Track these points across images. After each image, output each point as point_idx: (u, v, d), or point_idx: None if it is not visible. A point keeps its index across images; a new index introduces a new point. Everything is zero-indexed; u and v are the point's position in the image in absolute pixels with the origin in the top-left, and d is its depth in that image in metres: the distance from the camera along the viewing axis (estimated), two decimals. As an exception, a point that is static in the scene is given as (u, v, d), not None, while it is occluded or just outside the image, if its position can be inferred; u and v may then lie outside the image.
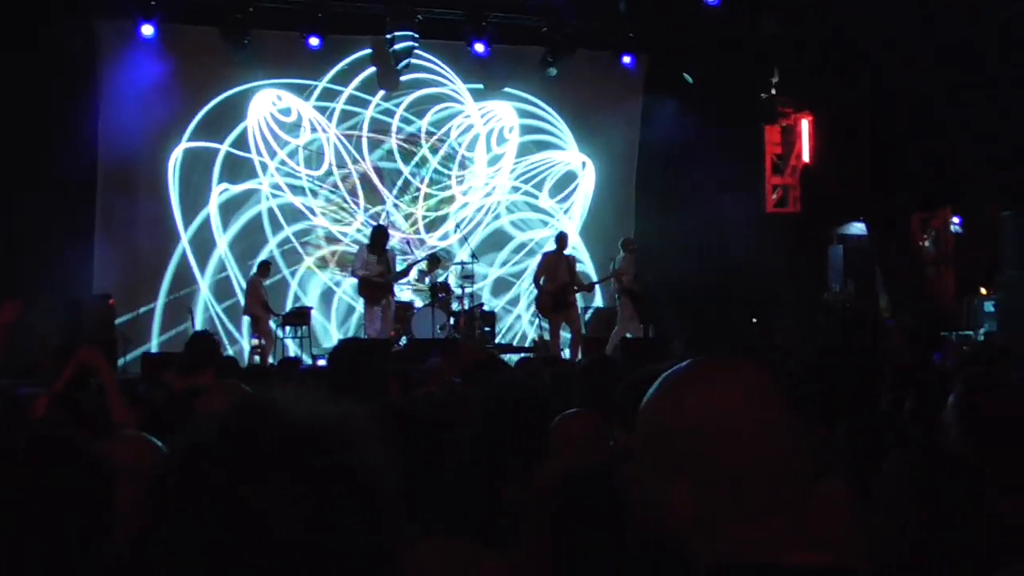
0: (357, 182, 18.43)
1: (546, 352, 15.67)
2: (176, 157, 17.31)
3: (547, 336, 16.62)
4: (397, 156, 18.71)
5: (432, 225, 18.89)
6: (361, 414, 1.47)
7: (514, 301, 18.98)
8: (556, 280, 15.74)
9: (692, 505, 1.72)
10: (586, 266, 19.01)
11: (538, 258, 16.71)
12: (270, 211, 17.91)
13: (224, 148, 17.59)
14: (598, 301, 18.77)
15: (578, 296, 16.47)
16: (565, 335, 16.39)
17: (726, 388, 1.75)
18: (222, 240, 17.57)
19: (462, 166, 19.04)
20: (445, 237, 18.81)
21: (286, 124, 18.03)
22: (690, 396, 1.76)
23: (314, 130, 18.24)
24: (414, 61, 17.96)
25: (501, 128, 19.15)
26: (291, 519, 1.32)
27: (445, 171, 18.93)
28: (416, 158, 18.77)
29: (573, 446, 3.55)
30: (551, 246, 16.57)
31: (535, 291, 16.28)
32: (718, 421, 1.71)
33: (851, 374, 4.49)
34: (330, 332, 17.88)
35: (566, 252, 16.28)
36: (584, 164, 19.45)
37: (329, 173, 18.30)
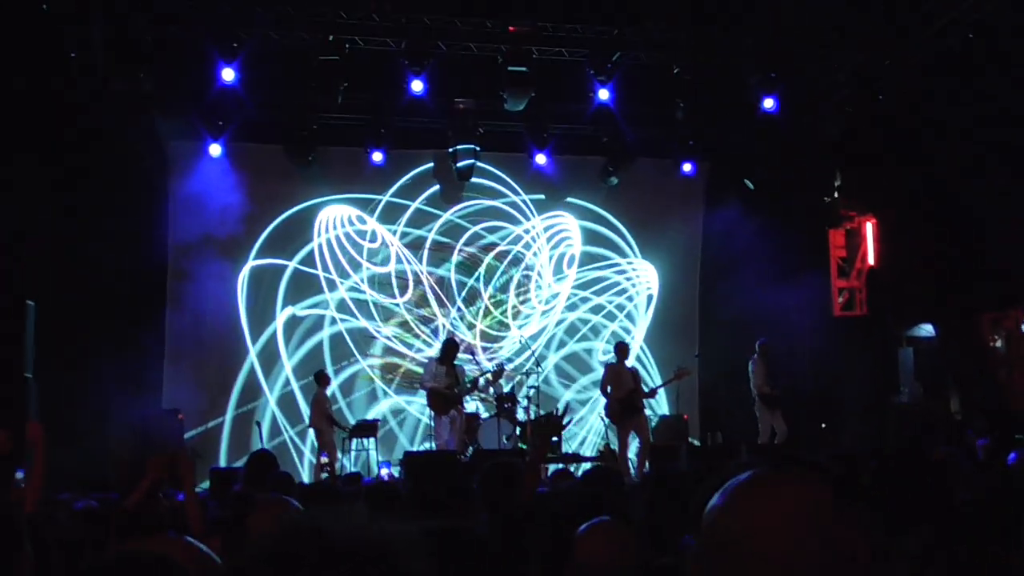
0: (423, 289, 18.55)
1: (612, 460, 15.53)
2: (244, 274, 17.56)
3: (613, 445, 16.47)
4: (461, 267, 18.83)
5: (496, 337, 18.94)
6: (406, 532, 1.49)
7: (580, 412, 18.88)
8: (623, 388, 15.67)
9: None
10: (651, 370, 18.93)
11: (602, 371, 16.65)
12: (336, 333, 18.08)
13: (292, 265, 17.82)
14: (663, 408, 18.62)
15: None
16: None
17: (781, 497, 1.80)
18: (287, 360, 17.74)
19: (526, 277, 19.10)
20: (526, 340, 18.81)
21: (358, 243, 18.24)
22: (746, 503, 1.82)
23: (383, 245, 18.44)
24: (476, 174, 18.18)
25: (564, 238, 19.24)
26: None
27: (511, 281, 19.00)
28: (480, 270, 18.89)
29: (600, 560, 3.45)
30: (612, 357, 16.50)
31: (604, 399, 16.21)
32: (770, 529, 1.75)
33: (926, 477, 4.41)
34: (399, 445, 17.88)
35: (627, 364, 16.22)
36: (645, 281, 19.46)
37: (394, 285, 18.44)
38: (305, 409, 17.13)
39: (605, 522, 3.57)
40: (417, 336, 18.47)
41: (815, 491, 1.81)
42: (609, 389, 15.80)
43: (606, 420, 16.59)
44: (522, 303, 19.09)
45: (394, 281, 18.45)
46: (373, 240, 18.40)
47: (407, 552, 1.46)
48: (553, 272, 19.23)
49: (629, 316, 19.52)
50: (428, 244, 18.70)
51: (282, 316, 17.78)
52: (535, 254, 19.17)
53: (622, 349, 16.24)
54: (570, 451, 17.48)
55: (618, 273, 19.51)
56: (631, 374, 16.02)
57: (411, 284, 18.57)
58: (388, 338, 18.28)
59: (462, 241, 18.86)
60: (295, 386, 17.66)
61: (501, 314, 18.97)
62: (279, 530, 1.47)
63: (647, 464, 15.12)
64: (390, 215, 18.52)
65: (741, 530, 1.78)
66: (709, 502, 1.90)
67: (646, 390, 16.58)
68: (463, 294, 18.84)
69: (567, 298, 19.26)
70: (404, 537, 1.48)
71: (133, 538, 3.82)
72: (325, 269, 18.07)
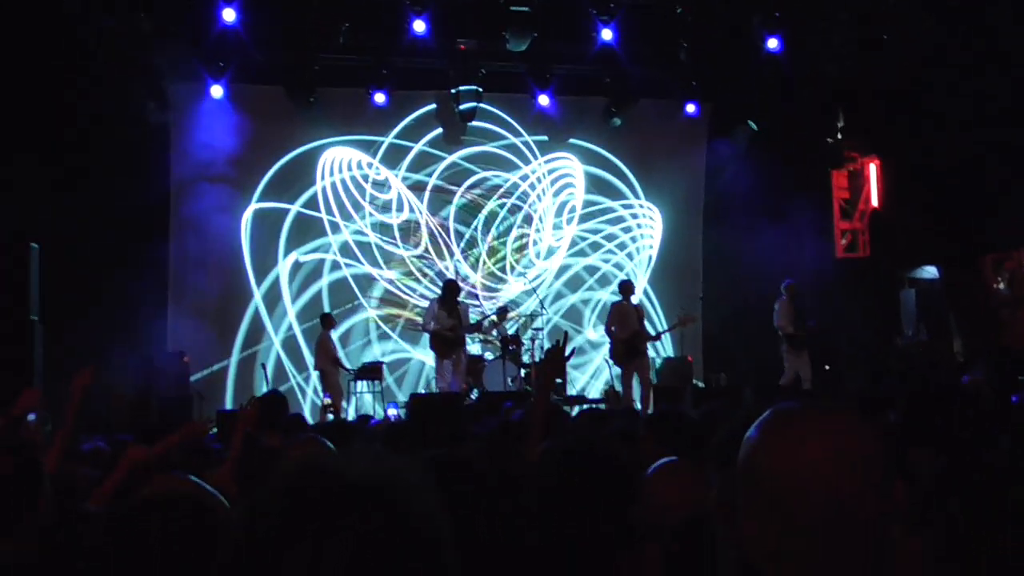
0: (425, 236, 18.54)
1: (617, 402, 15.59)
2: (247, 217, 17.54)
3: (617, 386, 16.53)
4: (463, 210, 18.82)
5: (500, 277, 18.95)
6: (417, 468, 1.52)
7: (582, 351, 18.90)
8: (628, 328, 15.70)
9: (772, 543, 1.78)
10: (656, 312, 18.98)
11: (608, 308, 16.69)
12: (339, 274, 18.11)
13: (294, 208, 17.80)
14: (668, 350, 18.68)
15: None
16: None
17: (819, 434, 1.80)
18: (290, 304, 17.78)
19: (528, 219, 19.08)
20: (530, 285, 18.82)
21: (362, 185, 18.22)
22: (784, 439, 1.82)
23: (387, 187, 18.41)
24: (479, 115, 18.12)
25: (567, 178, 19.20)
26: (353, 572, 1.38)
27: (514, 223, 18.99)
28: (484, 211, 18.87)
29: (675, 495, 3.40)
30: (617, 296, 16.50)
31: (608, 339, 16.24)
32: (808, 465, 1.76)
33: (940, 414, 4.42)
34: (404, 386, 17.95)
35: (633, 301, 16.25)
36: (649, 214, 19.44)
37: (398, 226, 18.44)
38: (308, 354, 17.22)
39: (675, 463, 3.51)
40: (419, 281, 18.47)
41: (852, 427, 1.82)
42: (614, 329, 15.83)
43: (610, 361, 16.62)
44: (523, 248, 19.07)
45: (395, 225, 18.40)
46: (378, 186, 18.33)
47: (418, 488, 1.48)
48: (556, 215, 19.19)
49: (631, 256, 19.48)
50: (430, 187, 18.64)
51: (288, 260, 17.76)
52: (538, 197, 19.12)
53: (627, 287, 16.25)
54: (575, 392, 17.55)
55: (625, 208, 19.47)
56: (636, 312, 16.03)
57: (414, 228, 18.53)
58: (391, 282, 18.27)
59: (465, 185, 18.80)
60: (297, 330, 17.67)
61: (503, 259, 18.95)
62: (291, 470, 1.49)
63: (651, 405, 15.17)
64: (393, 157, 18.45)
65: (779, 467, 1.79)
66: (733, 440, 1.90)
67: (651, 332, 16.62)
68: (465, 238, 18.82)
69: (570, 243, 19.22)
70: (414, 473, 1.50)
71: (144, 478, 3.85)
72: (328, 212, 18.03)
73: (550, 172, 19.16)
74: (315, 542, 1.38)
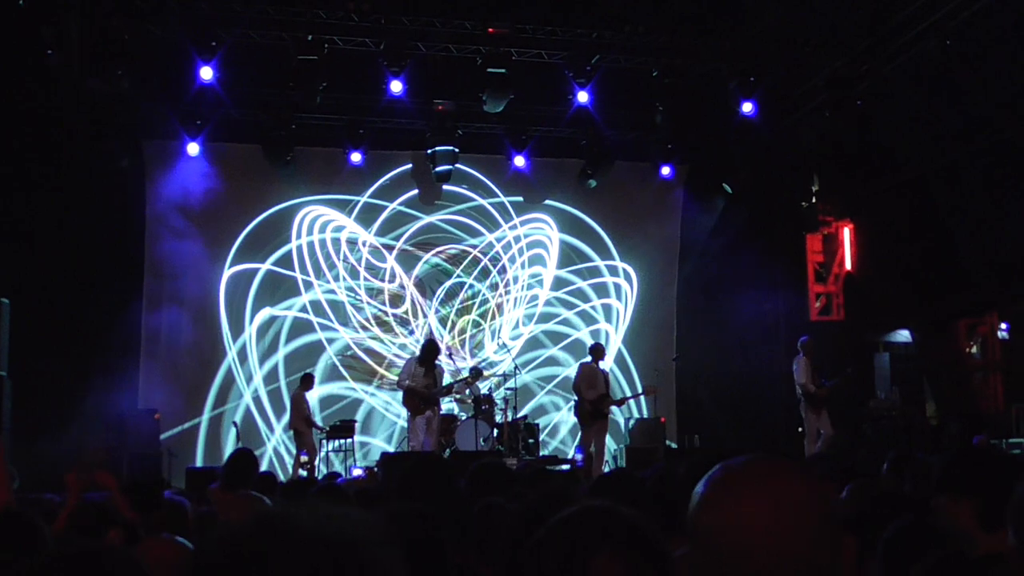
0: (398, 295, 18.54)
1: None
2: (224, 276, 17.52)
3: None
4: (437, 270, 18.84)
5: (473, 338, 18.94)
6: (374, 523, 1.48)
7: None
8: (595, 390, 15.65)
9: None
10: (632, 370, 18.96)
11: (575, 368, 16.65)
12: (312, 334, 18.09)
13: (264, 267, 17.80)
14: (641, 411, 18.63)
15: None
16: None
17: (765, 490, 1.80)
18: (257, 366, 17.75)
19: (494, 287, 19.10)
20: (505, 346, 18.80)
21: (336, 244, 18.25)
22: (729, 496, 1.81)
23: (357, 248, 18.46)
24: (455, 176, 18.19)
25: (542, 240, 19.25)
26: None
27: (487, 283, 19.00)
28: (458, 271, 18.88)
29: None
30: (587, 357, 16.45)
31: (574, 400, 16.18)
32: (753, 523, 1.75)
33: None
34: (375, 446, 17.86)
35: (602, 365, 16.20)
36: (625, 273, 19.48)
37: (372, 288, 18.44)
38: (272, 412, 17.21)
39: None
40: (396, 338, 18.45)
41: (793, 483, 1.82)
42: (583, 388, 15.75)
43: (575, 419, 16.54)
44: (498, 306, 19.08)
45: (386, 290, 18.41)
46: (375, 252, 18.41)
47: (374, 540, 1.45)
48: (530, 276, 19.21)
49: (608, 318, 19.50)
50: (406, 244, 18.66)
51: (258, 317, 17.73)
52: (512, 258, 19.15)
53: (597, 350, 16.24)
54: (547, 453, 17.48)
55: (597, 276, 19.52)
56: (604, 376, 16.00)
57: (388, 285, 18.54)
58: (363, 340, 18.26)
59: (438, 243, 18.83)
60: (263, 392, 17.68)
61: (478, 316, 18.95)
62: (247, 522, 1.45)
63: (602, 469, 15.07)
64: (368, 216, 18.48)
65: (721, 522, 1.79)
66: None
67: (615, 397, 16.57)
68: (439, 295, 18.81)
69: (544, 302, 19.23)
70: (371, 525, 1.47)
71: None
72: (303, 271, 18.03)
73: (525, 236, 19.20)
74: None
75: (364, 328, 18.34)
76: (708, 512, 1.81)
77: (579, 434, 16.46)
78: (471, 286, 18.98)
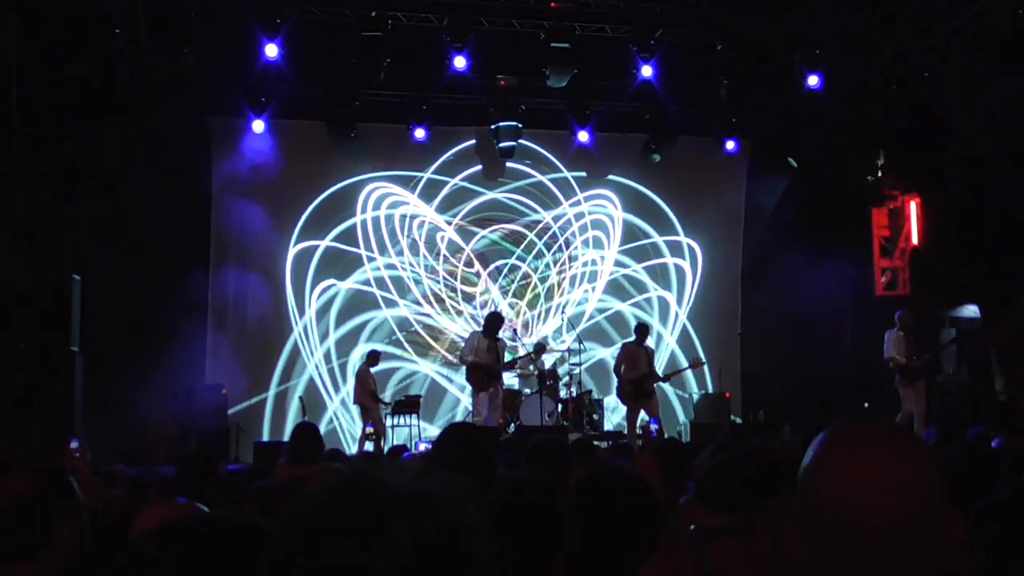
0: (461, 272, 18.59)
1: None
2: (290, 253, 17.65)
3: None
4: (500, 245, 18.87)
5: (539, 314, 18.95)
6: (462, 483, 1.49)
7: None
8: (636, 370, 15.51)
9: (825, 567, 1.77)
10: (696, 349, 18.85)
11: (618, 347, 16.56)
12: (376, 310, 18.22)
13: (323, 243, 17.93)
14: (706, 387, 18.55)
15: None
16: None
17: (872, 459, 1.76)
18: (331, 334, 17.86)
19: (565, 252, 19.08)
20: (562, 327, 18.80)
21: (400, 219, 18.33)
22: (835, 463, 1.78)
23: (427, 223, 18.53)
24: (518, 151, 18.17)
25: (606, 215, 19.20)
26: None
27: (551, 259, 18.99)
28: (522, 247, 18.89)
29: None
30: (631, 336, 16.31)
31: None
32: (863, 488, 1.73)
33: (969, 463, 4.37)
34: (439, 421, 17.94)
35: (646, 343, 16.05)
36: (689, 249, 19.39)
37: (434, 264, 18.51)
38: (340, 387, 17.33)
39: None
40: (459, 313, 18.51)
41: (906, 453, 1.78)
42: (623, 369, 15.63)
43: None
44: (562, 282, 19.07)
45: (459, 272, 18.47)
46: (415, 219, 18.46)
47: (463, 501, 1.46)
48: (594, 249, 19.18)
49: (671, 292, 19.43)
50: (469, 220, 18.70)
51: (317, 290, 17.85)
52: (575, 233, 19.13)
53: (641, 329, 16.04)
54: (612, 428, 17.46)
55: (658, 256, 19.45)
56: (646, 355, 15.84)
57: (451, 260, 18.60)
58: (428, 315, 18.32)
59: (503, 219, 18.85)
60: (324, 367, 17.79)
61: (541, 292, 18.95)
62: (338, 483, 1.45)
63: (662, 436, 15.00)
64: (431, 192, 18.53)
65: (830, 490, 1.76)
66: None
67: (660, 374, 16.42)
68: (504, 271, 18.84)
69: (608, 274, 19.20)
70: (459, 487, 1.48)
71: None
72: (367, 247, 18.12)
73: (589, 213, 19.16)
74: (361, 545, 1.35)
75: (436, 301, 18.42)
76: (818, 479, 1.79)
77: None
78: (533, 263, 18.97)
